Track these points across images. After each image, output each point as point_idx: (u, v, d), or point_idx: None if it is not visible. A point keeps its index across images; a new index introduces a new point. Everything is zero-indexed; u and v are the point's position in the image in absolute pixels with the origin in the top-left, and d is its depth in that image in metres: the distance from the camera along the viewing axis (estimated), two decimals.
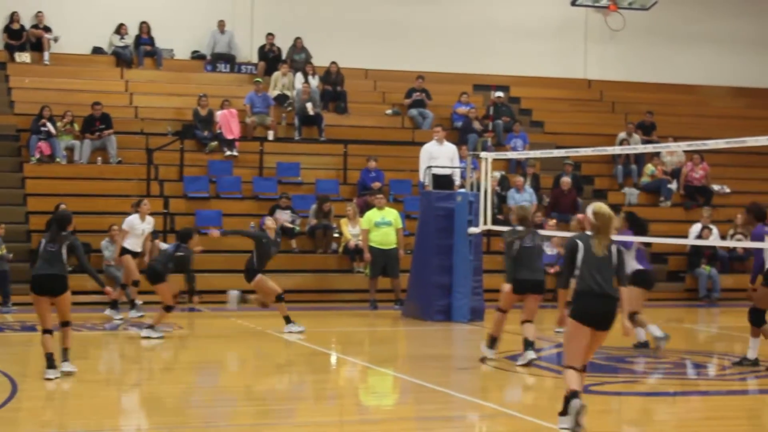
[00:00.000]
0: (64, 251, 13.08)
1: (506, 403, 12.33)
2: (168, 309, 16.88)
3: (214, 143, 25.68)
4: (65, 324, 13.11)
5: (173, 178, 24.75)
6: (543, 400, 12.63)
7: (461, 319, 19.37)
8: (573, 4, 30.08)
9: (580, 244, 10.26)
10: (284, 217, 23.24)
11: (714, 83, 33.08)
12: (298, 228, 23.47)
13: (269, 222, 18.15)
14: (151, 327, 16.70)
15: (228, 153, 25.59)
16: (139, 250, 19.56)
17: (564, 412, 10.13)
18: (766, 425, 11.19)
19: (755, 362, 14.29)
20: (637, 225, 15.73)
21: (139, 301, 19.69)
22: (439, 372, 14.19)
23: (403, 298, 21.09)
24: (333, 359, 15.79)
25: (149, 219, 19.77)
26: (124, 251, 19.48)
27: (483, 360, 14.61)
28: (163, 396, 12.48)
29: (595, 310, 10.10)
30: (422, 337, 18.36)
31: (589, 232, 10.35)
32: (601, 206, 10.41)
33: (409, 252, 21.60)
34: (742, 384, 13.76)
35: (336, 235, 23.63)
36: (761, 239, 14.10)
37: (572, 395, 10.02)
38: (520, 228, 14.56)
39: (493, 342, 14.76)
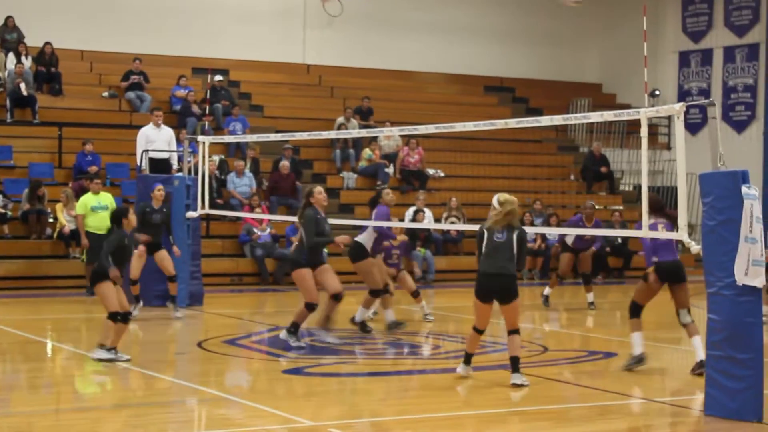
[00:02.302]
0: None
1: (225, 388, 12.34)
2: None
3: None
4: None
5: None
6: (261, 384, 12.72)
7: (179, 304, 19.24)
8: None
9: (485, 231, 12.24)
10: None
11: (429, 69, 33.97)
12: (10, 213, 22.82)
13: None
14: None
15: None
16: None
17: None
18: (471, 400, 11.58)
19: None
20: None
21: None
22: (157, 358, 14.10)
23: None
24: (48, 347, 15.44)
25: None
26: None
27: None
28: None
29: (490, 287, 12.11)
30: (140, 322, 18.16)
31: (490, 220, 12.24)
32: (505, 196, 12.26)
33: None
34: (457, 362, 14.18)
35: (51, 220, 23.07)
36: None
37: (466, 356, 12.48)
38: None
39: None
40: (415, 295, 17.60)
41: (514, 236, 12.05)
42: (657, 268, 13.00)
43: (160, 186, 18.45)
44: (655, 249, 13.10)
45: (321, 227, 14.45)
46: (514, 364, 12.09)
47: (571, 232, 19.54)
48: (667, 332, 16.39)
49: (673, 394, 12.43)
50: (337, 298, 14.58)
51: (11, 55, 27.18)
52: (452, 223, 25.66)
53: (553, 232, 24.97)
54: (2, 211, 22.75)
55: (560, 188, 30.90)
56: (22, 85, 26.17)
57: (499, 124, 14.26)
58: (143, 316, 18.45)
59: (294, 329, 14.43)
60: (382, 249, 16.62)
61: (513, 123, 14.21)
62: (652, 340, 15.19)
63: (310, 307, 14.33)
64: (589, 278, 20.50)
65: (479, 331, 12.35)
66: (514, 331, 12.15)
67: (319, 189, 14.71)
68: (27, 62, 27.13)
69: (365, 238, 16.04)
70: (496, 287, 12.06)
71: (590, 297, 20.22)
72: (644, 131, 11.74)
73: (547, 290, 20.51)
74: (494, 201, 12.26)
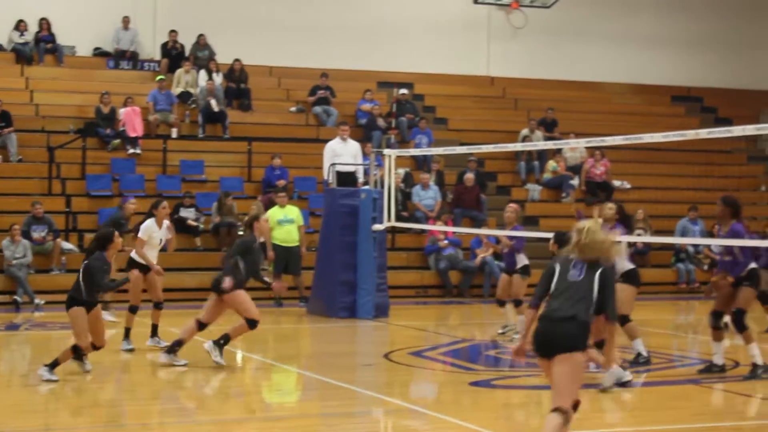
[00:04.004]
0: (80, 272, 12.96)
1: (410, 399, 12.41)
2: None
3: (117, 141, 25.49)
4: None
5: (75, 177, 24.52)
6: (447, 396, 12.74)
7: (366, 315, 19.46)
8: (475, 1, 30.31)
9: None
10: (188, 215, 23.25)
11: (613, 80, 33.54)
12: (202, 226, 23.39)
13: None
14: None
15: (131, 151, 25.41)
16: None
17: None
18: (657, 417, 11.41)
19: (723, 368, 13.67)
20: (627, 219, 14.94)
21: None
22: (343, 369, 14.25)
23: (308, 296, 21.14)
24: (238, 357, 15.75)
25: (165, 224, 15.69)
26: (132, 263, 15.54)
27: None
28: (69, 396, 12.38)
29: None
30: (327, 334, 18.41)
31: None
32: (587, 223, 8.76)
33: (313, 249, 21.66)
34: (644, 376, 14.00)
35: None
36: (740, 236, 13.30)
37: None
38: None
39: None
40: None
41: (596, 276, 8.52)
42: None
43: (133, 200, 18.67)
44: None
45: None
46: None
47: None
48: None
49: None
50: None
51: (203, 72, 27.89)
52: (638, 235, 25.26)
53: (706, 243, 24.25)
54: (195, 223, 23.33)
55: (750, 200, 30.11)
56: (213, 102, 26.83)
57: (690, 134, 14.04)
58: (330, 327, 18.68)
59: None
60: None
61: (704, 133, 13.96)
62: None
63: None
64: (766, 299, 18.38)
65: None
66: (557, 410, 8.32)
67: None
68: (218, 79, 27.80)
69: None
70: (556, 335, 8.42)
71: None
72: None
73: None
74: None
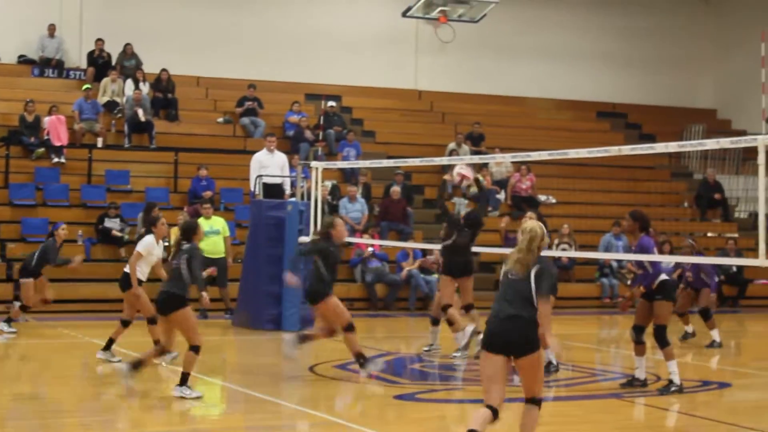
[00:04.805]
0: (183, 265, 12.61)
1: (335, 412, 12.40)
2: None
3: (41, 150, 25.23)
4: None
5: None
6: (372, 409, 12.74)
7: (291, 328, 19.38)
8: (404, 15, 30.32)
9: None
10: (113, 225, 23.05)
11: (540, 95, 33.82)
12: (127, 237, 23.20)
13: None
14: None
15: (55, 160, 25.17)
16: (144, 279, 15.34)
17: None
18: (584, 429, 11.49)
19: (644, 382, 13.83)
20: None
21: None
22: (268, 381, 14.21)
23: (233, 307, 21.05)
24: (162, 369, 15.63)
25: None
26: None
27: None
28: None
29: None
30: (252, 346, 18.34)
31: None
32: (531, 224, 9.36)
33: (239, 261, 21.57)
34: (567, 390, 14.09)
35: (165, 244, 23.38)
36: (649, 251, 13.58)
37: None
38: None
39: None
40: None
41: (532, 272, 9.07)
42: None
43: (64, 226, 18.72)
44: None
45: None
46: None
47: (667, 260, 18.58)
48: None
49: None
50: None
51: (129, 82, 27.69)
52: (563, 249, 25.48)
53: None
54: (119, 234, 23.15)
55: (674, 215, 30.53)
56: (140, 111, 26.65)
57: (613, 150, 14.17)
58: (255, 340, 18.61)
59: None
60: None
61: (627, 150, 14.13)
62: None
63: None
64: (709, 313, 18.86)
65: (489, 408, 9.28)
66: (531, 401, 9.40)
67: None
68: (144, 88, 27.61)
69: None
70: (509, 335, 9.08)
71: (715, 334, 18.63)
72: (761, 159, 11.58)
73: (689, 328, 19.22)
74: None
